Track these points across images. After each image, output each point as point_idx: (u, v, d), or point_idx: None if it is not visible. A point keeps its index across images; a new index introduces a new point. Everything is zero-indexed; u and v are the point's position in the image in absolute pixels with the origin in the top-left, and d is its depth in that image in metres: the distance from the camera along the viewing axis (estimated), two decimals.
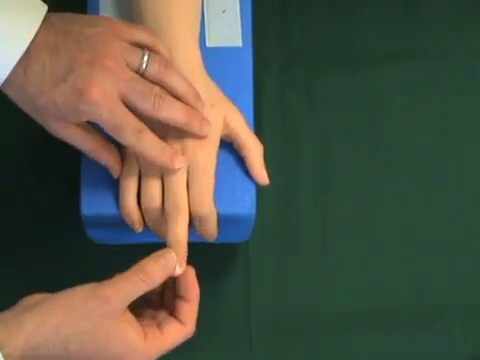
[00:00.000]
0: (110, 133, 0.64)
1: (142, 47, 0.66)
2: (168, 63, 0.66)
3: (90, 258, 0.80)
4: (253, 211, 0.70)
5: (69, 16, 0.64)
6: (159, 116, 0.65)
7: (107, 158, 0.68)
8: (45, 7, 0.63)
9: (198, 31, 0.72)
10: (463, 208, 0.85)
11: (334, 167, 0.85)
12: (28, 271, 0.80)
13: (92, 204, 0.70)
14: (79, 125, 0.64)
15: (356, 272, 0.82)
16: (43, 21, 0.62)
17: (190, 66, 0.70)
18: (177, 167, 0.66)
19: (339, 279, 0.82)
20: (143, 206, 0.69)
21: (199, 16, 0.73)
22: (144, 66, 0.64)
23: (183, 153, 0.68)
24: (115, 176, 0.69)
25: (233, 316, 0.80)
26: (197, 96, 0.68)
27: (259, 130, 0.75)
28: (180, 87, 0.66)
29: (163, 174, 0.68)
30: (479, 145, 0.86)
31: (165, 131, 0.68)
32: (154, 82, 0.65)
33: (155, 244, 0.67)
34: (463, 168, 0.86)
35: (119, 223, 0.70)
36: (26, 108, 0.64)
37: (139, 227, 0.70)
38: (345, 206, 0.84)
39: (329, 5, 0.90)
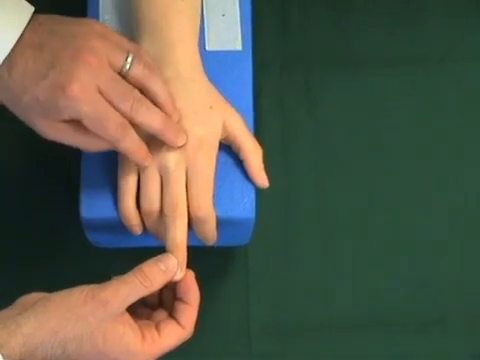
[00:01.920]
0: (94, 129, 0.62)
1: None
2: (153, 67, 0.66)
3: (90, 259, 0.80)
4: (252, 214, 0.70)
5: (57, 17, 0.64)
6: (136, 120, 0.64)
7: (105, 145, 0.65)
8: (32, 8, 0.62)
9: (197, 33, 0.72)
10: (463, 208, 0.85)
11: (334, 168, 0.85)
12: (28, 271, 0.80)
13: (91, 207, 0.69)
14: (66, 122, 0.63)
15: (356, 273, 0.82)
16: (30, 22, 0.62)
17: (188, 68, 0.70)
18: (147, 165, 0.67)
19: (339, 280, 0.82)
20: (142, 209, 0.69)
21: (198, 18, 0.73)
22: (128, 67, 0.63)
23: (182, 155, 0.67)
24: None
25: (232, 318, 0.80)
26: (175, 107, 0.67)
27: (258, 132, 0.75)
28: (161, 94, 0.66)
29: (162, 176, 0.68)
30: (478, 146, 0.87)
31: None
32: (135, 86, 0.64)
33: (156, 247, 0.67)
34: (463, 169, 0.86)
35: (119, 226, 0.70)
36: (13, 109, 0.63)
37: (138, 230, 0.70)
38: (345, 207, 0.84)
39: (329, 7, 0.90)
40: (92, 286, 0.60)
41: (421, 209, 0.84)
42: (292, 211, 0.83)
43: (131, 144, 0.64)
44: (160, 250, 0.66)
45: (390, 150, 0.86)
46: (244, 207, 0.70)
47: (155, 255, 0.64)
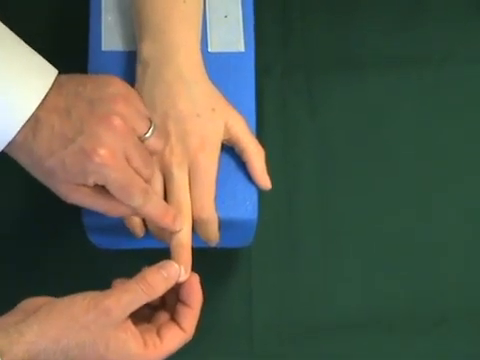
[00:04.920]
0: (118, 195, 0.62)
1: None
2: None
3: (92, 261, 0.80)
4: (255, 216, 0.70)
5: (79, 77, 0.63)
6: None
7: (127, 211, 0.65)
8: (55, 71, 0.62)
9: (199, 35, 0.72)
10: (464, 210, 0.85)
11: (336, 171, 0.85)
12: (29, 273, 0.80)
13: (93, 210, 0.69)
14: (88, 186, 0.62)
15: (357, 275, 0.82)
16: (53, 84, 0.61)
17: (191, 70, 0.70)
18: (178, 229, 0.66)
19: (340, 282, 0.82)
20: None
21: (200, 20, 0.73)
22: (148, 136, 0.64)
23: (184, 156, 0.68)
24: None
25: (235, 320, 0.80)
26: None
27: (260, 134, 0.75)
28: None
29: (165, 178, 0.68)
30: (479, 148, 0.87)
31: (167, 136, 0.68)
32: None
33: (158, 248, 0.68)
34: (464, 171, 0.86)
35: (120, 228, 0.70)
36: (34, 171, 0.62)
37: (140, 232, 0.70)
38: (347, 209, 0.84)
39: (330, 10, 0.91)
40: (94, 293, 0.59)
41: (422, 211, 0.85)
42: (294, 213, 0.83)
43: (155, 210, 0.64)
44: (162, 251, 0.66)
45: (391, 152, 0.86)
46: (246, 209, 0.70)
47: (157, 256, 0.64)
